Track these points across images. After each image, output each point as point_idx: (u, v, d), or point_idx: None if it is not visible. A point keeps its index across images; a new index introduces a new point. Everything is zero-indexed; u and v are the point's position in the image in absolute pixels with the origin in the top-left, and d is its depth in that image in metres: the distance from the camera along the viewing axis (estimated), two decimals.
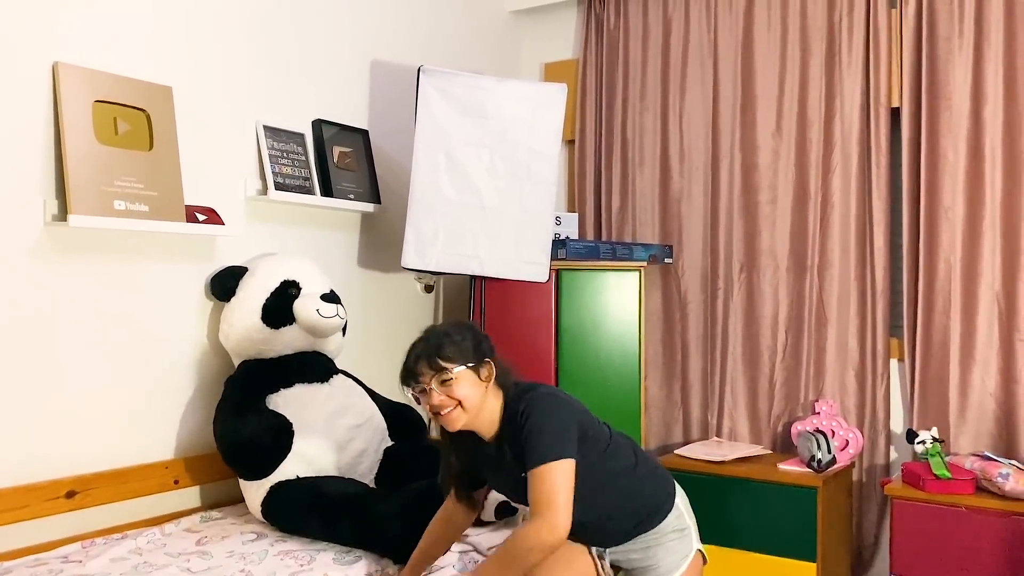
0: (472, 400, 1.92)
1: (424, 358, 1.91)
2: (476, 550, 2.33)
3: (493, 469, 2.02)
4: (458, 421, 1.92)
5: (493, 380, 1.96)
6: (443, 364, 1.90)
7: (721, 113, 3.58)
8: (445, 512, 2.11)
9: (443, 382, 1.90)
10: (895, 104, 3.27)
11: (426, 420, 3.07)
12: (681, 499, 2.15)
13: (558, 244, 3.26)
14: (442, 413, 1.91)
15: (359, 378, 2.89)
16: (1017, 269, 3.02)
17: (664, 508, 2.08)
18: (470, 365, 1.92)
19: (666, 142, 3.70)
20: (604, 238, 3.81)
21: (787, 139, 3.45)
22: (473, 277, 3.30)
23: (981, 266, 3.08)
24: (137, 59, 2.55)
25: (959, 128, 3.11)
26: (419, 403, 1.97)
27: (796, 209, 3.44)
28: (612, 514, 2.03)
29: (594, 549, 2.11)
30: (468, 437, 2.00)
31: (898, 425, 3.30)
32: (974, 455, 2.92)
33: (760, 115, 3.50)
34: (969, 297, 3.10)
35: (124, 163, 2.45)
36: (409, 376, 1.93)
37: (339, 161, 3.19)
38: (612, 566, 2.13)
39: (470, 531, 2.43)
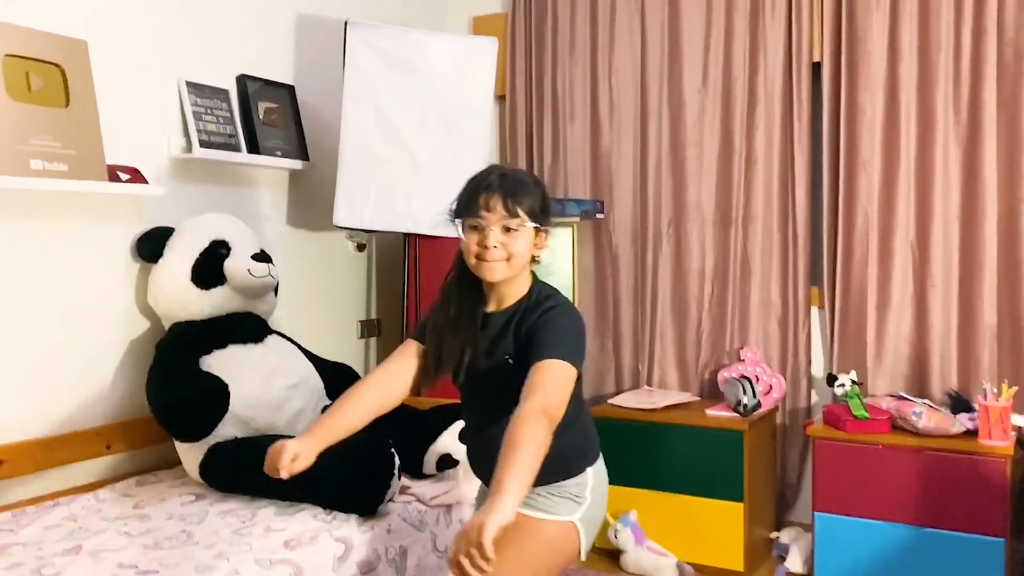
0: (521, 260, 1.74)
1: (500, 195, 1.71)
2: (419, 500, 2.36)
3: (477, 340, 1.80)
4: (499, 272, 1.73)
5: (540, 251, 1.79)
6: (518, 211, 1.72)
7: (649, 68, 3.61)
8: (386, 374, 1.86)
9: (507, 229, 1.72)
10: (816, 59, 3.35)
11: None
12: (595, 476, 1.91)
13: None
14: (488, 258, 1.72)
15: (293, 339, 2.87)
16: (930, 219, 3.16)
17: (578, 465, 1.87)
18: (535, 225, 1.75)
19: (596, 97, 3.72)
20: None
21: (713, 94, 3.51)
22: (406, 235, 3.30)
23: (897, 217, 3.21)
24: (49, 12, 2.44)
25: (877, 83, 3.21)
26: (462, 232, 1.75)
27: (722, 164, 3.51)
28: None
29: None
30: (469, 299, 1.82)
31: (819, 370, 3.45)
32: (890, 396, 3.08)
33: (687, 70, 3.55)
34: (885, 247, 3.23)
35: (39, 120, 2.35)
36: (472, 206, 1.72)
37: (265, 117, 3.12)
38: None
39: (412, 483, 2.45)
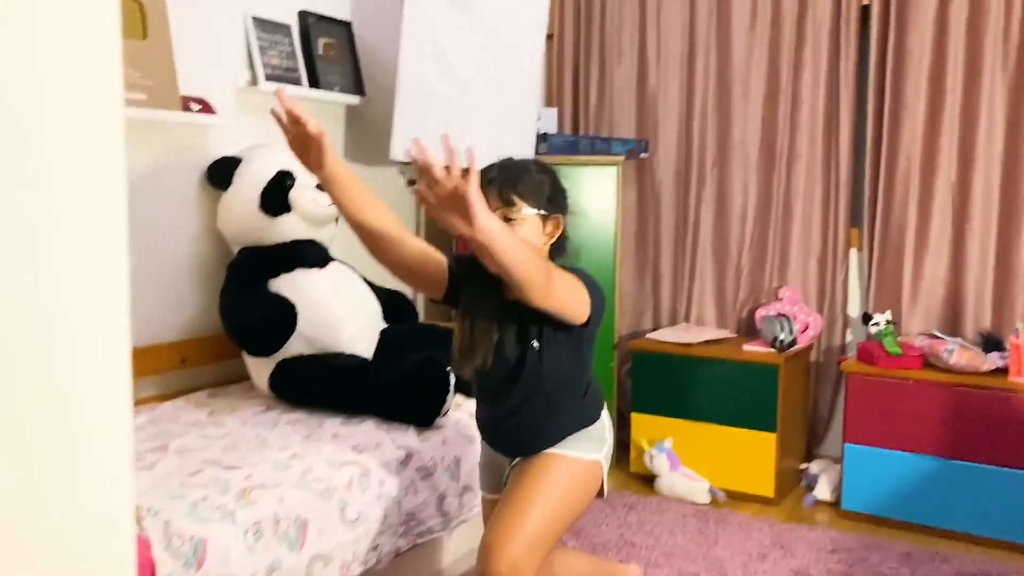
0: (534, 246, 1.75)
1: (496, 186, 1.73)
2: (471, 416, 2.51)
3: (487, 287, 1.79)
4: None
5: (553, 240, 1.80)
6: (514, 199, 1.73)
7: (698, 9, 3.66)
8: (428, 247, 1.84)
9: (508, 219, 1.73)
10: (865, 2, 3.38)
11: (417, 306, 3.23)
12: (607, 419, 1.97)
13: (539, 138, 3.37)
14: None
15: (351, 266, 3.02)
16: (972, 163, 3.21)
17: (593, 418, 1.92)
18: (540, 212, 1.76)
19: (644, 38, 3.78)
20: (582, 132, 3.92)
21: (760, 35, 3.56)
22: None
23: (939, 160, 3.27)
24: None
25: (926, 26, 3.24)
26: None
27: (767, 105, 3.57)
28: (554, 412, 1.87)
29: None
30: (488, 280, 1.77)
31: (855, 310, 3.55)
32: (923, 334, 3.17)
33: (735, 12, 3.59)
34: (926, 189, 3.30)
35: (121, 52, 2.48)
36: None
37: (324, 53, 3.23)
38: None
39: (464, 401, 2.59)
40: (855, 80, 3.41)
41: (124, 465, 0.92)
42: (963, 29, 3.18)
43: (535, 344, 1.82)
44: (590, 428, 1.91)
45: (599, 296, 1.79)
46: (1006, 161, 3.17)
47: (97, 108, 0.88)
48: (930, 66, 3.25)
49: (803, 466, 3.46)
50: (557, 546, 1.97)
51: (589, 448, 1.90)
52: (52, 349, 0.85)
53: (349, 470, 2.12)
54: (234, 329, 2.57)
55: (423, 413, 2.38)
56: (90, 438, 0.90)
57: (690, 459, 3.35)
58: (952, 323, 3.29)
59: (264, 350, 2.55)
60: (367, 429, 2.34)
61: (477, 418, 2.02)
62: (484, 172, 1.77)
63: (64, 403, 0.87)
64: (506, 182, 1.75)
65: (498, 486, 1.98)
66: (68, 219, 0.87)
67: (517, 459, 1.92)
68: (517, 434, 1.90)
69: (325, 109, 3.29)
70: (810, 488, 3.37)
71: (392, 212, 1.83)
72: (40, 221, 0.84)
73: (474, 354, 1.83)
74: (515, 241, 1.55)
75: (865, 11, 3.39)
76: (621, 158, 3.51)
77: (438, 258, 1.85)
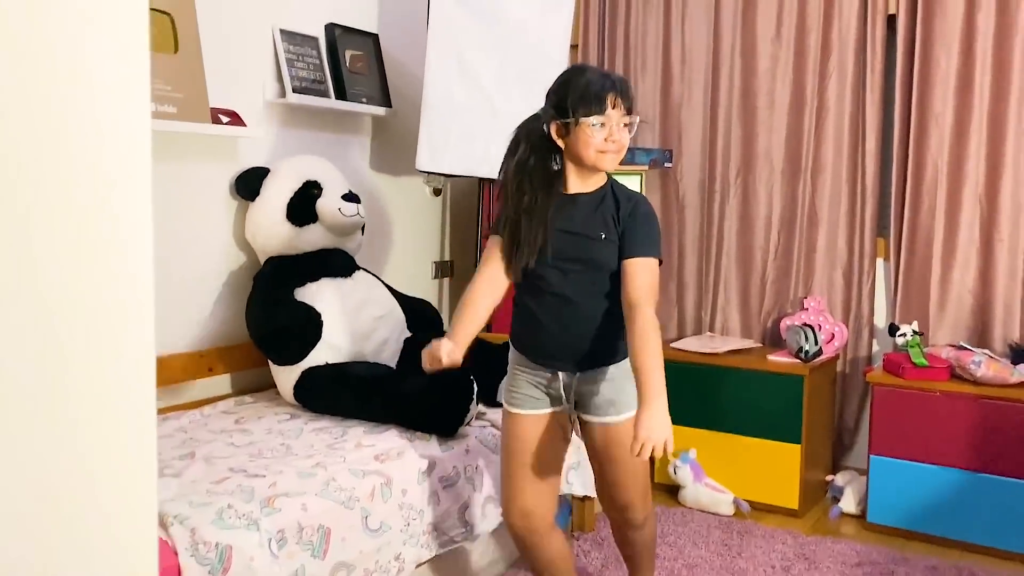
0: (624, 151, 2.00)
1: (620, 94, 1.94)
2: (494, 425, 2.53)
3: (571, 219, 2.00)
4: (616, 162, 1.97)
5: None
6: (633, 107, 1.97)
7: (722, 18, 3.66)
8: (487, 273, 2.07)
9: (626, 124, 1.96)
10: (892, 11, 3.36)
11: (441, 315, 3.26)
12: None
13: None
14: (612, 150, 1.95)
15: (377, 275, 3.05)
16: (1000, 173, 3.18)
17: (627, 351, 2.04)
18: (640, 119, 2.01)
19: (668, 47, 3.78)
20: None
21: (786, 45, 3.55)
22: (482, 181, 3.44)
23: (966, 169, 3.24)
24: None
25: (952, 36, 3.21)
26: (568, 126, 1.93)
27: (792, 114, 3.56)
28: (604, 332, 2.03)
29: (560, 382, 2.07)
30: (544, 185, 2.01)
31: (881, 320, 3.52)
32: (950, 346, 3.14)
33: (760, 21, 3.58)
34: (953, 199, 3.26)
35: (153, 65, 2.53)
36: (601, 102, 1.91)
37: (351, 65, 3.27)
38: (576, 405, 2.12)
39: (487, 410, 2.61)
40: (881, 89, 3.39)
41: (148, 471, 0.95)
42: (990, 38, 3.16)
43: (603, 236, 1.99)
44: (627, 360, 2.01)
45: (660, 238, 2.04)
46: None
47: (125, 120, 0.91)
48: (957, 75, 3.22)
49: (828, 478, 3.44)
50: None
51: (633, 395, 1.95)
52: (77, 357, 0.88)
53: (372, 479, 2.14)
54: (260, 338, 2.61)
55: (446, 422, 2.40)
56: (114, 443, 0.92)
57: (714, 470, 3.34)
58: (980, 334, 3.26)
59: (290, 358, 2.59)
60: (390, 438, 2.36)
61: (519, 339, 2.13)
62: (601, 77, 1.94)
63: (89, 409, 0.90)
64: (626, 93, 1.95)
65: (541, 403, 2.11)
66: (95, 229, 0.90)
67: (577, 375, 2.07)
68: (573, 346, 2.05)
69: (352, 120, 3.33)
70: (836, 500, 3.34)
71: (489, 301, 2.10)
72: (67, 231, 0.87)
73: (519, 251, 2.02)
74: (661, 366, 1.90)
75: (891, 20, 3.37)
76: (645, 167, 3.51)
77: (504, 274, 2.09)
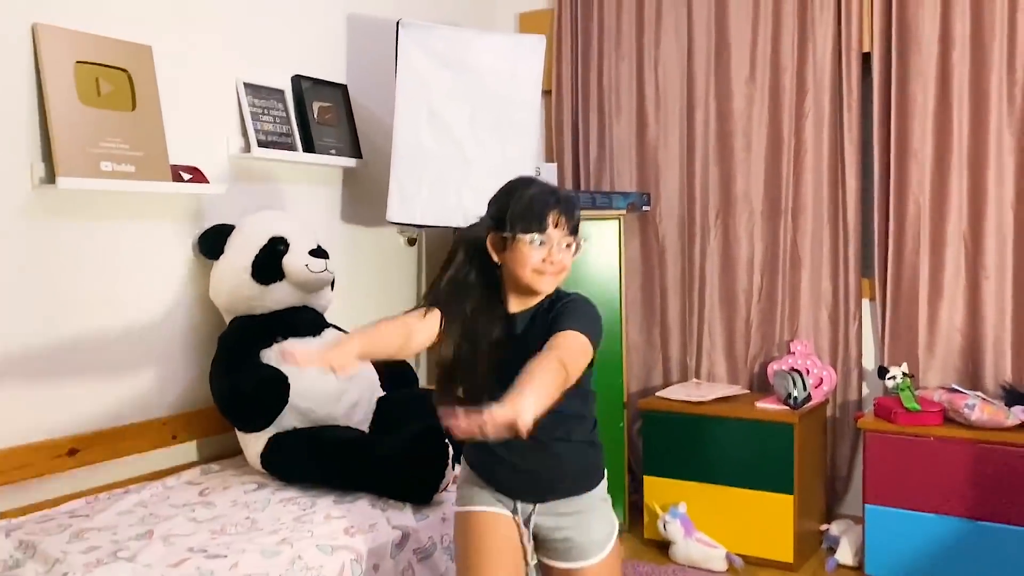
0: (567, 272, 1.80)
1: (564, 212, 1.77)
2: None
3: (501, 344, 1.79)
4: (553, 285, 1.79)
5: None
6: (575, 228, 1.79)
7: (696, 61, 3.62)
8: (405, 323, 1.82)
9: (568, 245, 1.78)
10: (866, 49, 3.33)
11: (416, 372, 3.15)
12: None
13: None
14: (551, 272, 1.76)
15: (348, 332, 2.95)
16: (983, 208, 3.13)
17: (602, 469, 1.91)
18: (582, 240, 1.82)
19: (642, 91, 3.74)
20: (583, 187, 3.87)
21: (761, 86, 3.51)
22: (457, 229, 3.35)
23: (949, 206, 3.18)
24: (116, 18, 2.54)
25: (928, 72, 3.18)
26: (530, 245, 1.73)
27: (770, 155, 3.51)
28: (567, 455, 1.83)
29: (519, 511, 1.85)
30: (489, 297, 1.82)
31: (870, 362, 3.43)
32: (942, 388, 3.06)
33: (734, 62, 3.54)
34: (937, 237, 3.20)
35: (108, 124, 2.46)
36: (540, 221, 1.74)
37: (319, 116, 3.20)
38: (535, 539, 1.87)
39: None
40: (859, 127, 3.35)
41: None
42: (966, 73, 3.12)
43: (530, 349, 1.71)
44: (603, 482, 1.88)
45: (597, 324, 1.78)
46: (1017, 205, 3.08)
47: None
48: (935, 112, 3.18)
49: (823, 527, 3.32)
50: None
51: (610, 516, 1.86)
52: None
53: (341, 555, 2.01)
54: (223, 404, 2.49)
55: (420, 489, 2.28)
56: None
57: (705, 524, 3.22)
58: (971, 375, 3.18)
59: (254, 424, 2.47)
60: (362, 508, 2.24)
61: (470, 460, 1.89)
62: (543, 193, 1.78)
63: None
64: (570, 212, 1.79)
65: (498, 506, 1.84)
66: None
67: (536, 505, 1.82)
68: (535, 480, 1.82)
69: (321, 173, 3.25)
70: (832, 551, 3.22)
71: (398, 327, 1.81)
72: None
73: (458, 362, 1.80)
74: (545, 392, 1.51)
75: (866, 58, 3.34)
76: (623, 212, 3.44)
77: (431, 322, 1.82)
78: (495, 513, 1.84)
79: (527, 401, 1.43)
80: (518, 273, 1.78)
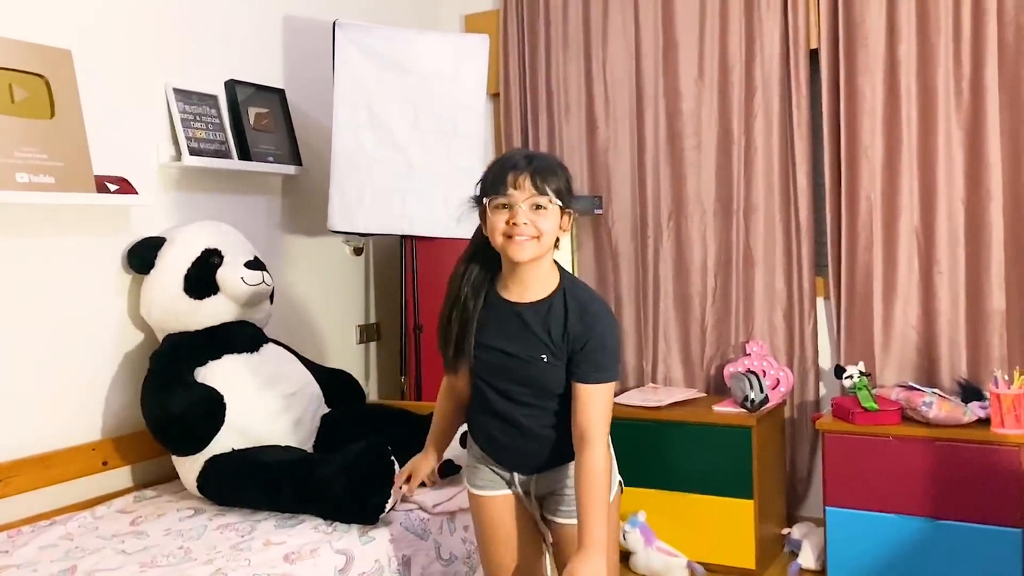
0: (549, 239, 1.74)
1: (529, 174, 1.71)
2: (422, 508, 2.31)
3: (506, 335, 1.81)
4: (529, 251, 1.72)
5: (566, 231, 1.80)
6: (546, 188, 1.71)
7: (644, 61, 3.56)
8: (447, 387, 2.03)
9: (537, 207, 1.71)
10: (814, 46, 3.30)
11: (363, 385, 3.04)
12: None
13: None
14: (518, 236, 1.71)
15: (290, 346, 2.82)
16: (934, 204, 3.11)
17: None
18: (560, 205, 1.73)
19: (591, 92, 3.67)
20: None
21: (709, 85, 3.46)
22: (403, 237, 3.25)
23: (900, 203, 3.16)
24: (31, 21, 2.40)
25: (876, 67, 3.15)
26: (486, 212, 1.74)
27: (721, 154, 3.46)
28: (561, 442, 1.85)
29: (516, 482, 1.93)
30: (478, 282, 1.84)
31: (826, 361, 3.40)
32: (899, 386, 3.02)
33: (682, 61, 3.49)
34: (890, 233, 3.18)
35: (24, 132, 2.31)
36: (500, 185, 1.71)
37: (256, 123, 3.07)
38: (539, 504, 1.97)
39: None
40: (809, 125, 3.31)
41: None
42: (913, 68, 3.11)
43: (544, 359, 1.80)
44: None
45: (618, 352, 1.84)
46: (968, 199, 3.07)
47: None
48: (884, 108, 3.16)
49: (785, 531, 3.27)
50: None
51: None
52: None
53: None
54: (156, 426, 2.35)
55: (366, 509, 2.16)
56: None
57: (665, 532, 3.14)
58: (928, 371, 3.15)
59: (189, 447, 2.33)
60: (303, 532, 2.11)
61: (474, 436, 1.98)
62: (508, 157, 1.77)
63: None
64: (541, 172, 1.73)
65: (503, 487, 1.95)
66: None
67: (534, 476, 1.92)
68: (514, 445, 1.90)
69: (259, 181, 3.12)
70: (794, 555, 3.17)
71: (449, 401, 2.06)
72: None
73: (455, 352, 1.87)
74: (605, 512, 1.74)
75: (814, 54, 3.31)
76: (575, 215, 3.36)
77: (462, 366, 1.92)
78: (494, 495, 1.95)
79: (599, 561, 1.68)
80: (495, 245, 1.76)
